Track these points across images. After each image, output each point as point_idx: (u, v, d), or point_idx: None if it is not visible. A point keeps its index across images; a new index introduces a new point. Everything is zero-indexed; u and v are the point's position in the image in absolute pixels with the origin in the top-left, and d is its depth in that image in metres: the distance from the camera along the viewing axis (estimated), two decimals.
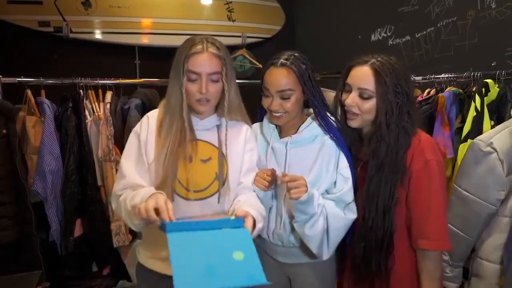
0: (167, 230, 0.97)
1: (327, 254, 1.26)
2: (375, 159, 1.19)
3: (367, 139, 1.27)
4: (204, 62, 1.13)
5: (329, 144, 1.28)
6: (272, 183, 1.25)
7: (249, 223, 1.04)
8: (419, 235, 1.16)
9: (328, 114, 1.30)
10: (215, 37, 1.20)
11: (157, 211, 0.99)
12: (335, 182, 1.27)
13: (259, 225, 1.12)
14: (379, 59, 1.20)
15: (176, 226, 0.98)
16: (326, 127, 1.27)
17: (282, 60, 1.23)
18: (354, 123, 1.25)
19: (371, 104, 1.20)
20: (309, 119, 1.31)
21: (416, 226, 1.17)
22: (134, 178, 1.16)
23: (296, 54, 1.26)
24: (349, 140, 1.30)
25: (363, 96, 1.20)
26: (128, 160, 1.20)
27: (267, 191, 1.26)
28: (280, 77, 1.22)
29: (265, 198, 1.27)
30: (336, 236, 1.25)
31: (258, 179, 1.25)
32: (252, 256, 0.96)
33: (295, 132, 1.30)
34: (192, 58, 1.13)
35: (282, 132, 1.34)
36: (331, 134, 1.27)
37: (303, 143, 1.29)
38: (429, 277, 1.17)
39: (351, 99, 1.22)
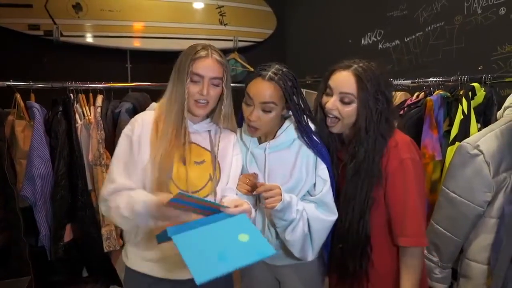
0: (170, 234, 0.98)
1: (311, 256, 1.28)
2: (353, 163, 1.22)
3: (347, 141, 1.31)
4: (208, 66, 1.19)
5: (307, 147, 1.30)
6: (255, 188, 1.27)
7: (245, 205, 1.10)
8: (399, 233, 1.20)
9: (312, 126, 1.31)
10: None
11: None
12: (314, 184, 1.30)
13: (253, 214, 1.19)
14: (361, 64, 1.22)
15: (177, 229, 0.99)
16: (310, 143, 1.29)
17: (270, 74, 1.24)
18: (335, 129, 1.28)
19: (351, 108, 1.22)
20: (286, 123, 1.33)
21: (395, 224, 1.21)
22: (123, 181, 1.16)
23: (284, 70, 1.26)
24: (329, 141, 1.32)
25: (344, 100, 1.22)
26: (117, 163, 1.19)
27: (250, 195, 1.28)
28: (266, 90, 1.23)
29: (249, 202, 1.28)
30: (319, 238, 1.27)
31: (241, 183, 1.27)
32: (256, 235, 1.02)
33: (273, 138, 1.33)
34: (197, 61, 1.18)
35: (260, 137, 1.36)
36: (312, 146, 1.29)
37: (281, 147, 1.31)
38: (407, 272, 1.20)
39: (331, 103, 1.24)
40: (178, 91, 1.19)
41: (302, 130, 1.29)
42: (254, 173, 1.30)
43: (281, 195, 1.18)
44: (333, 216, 1.27)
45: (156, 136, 1.19)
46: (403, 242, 1.19)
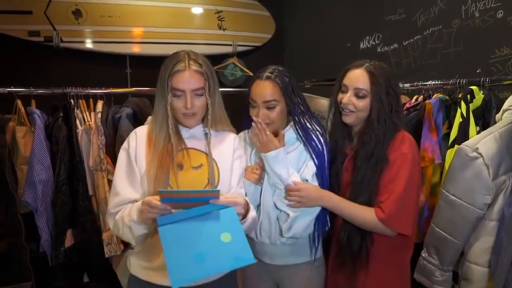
0: (158, 225, 1.01)
1: (285, 234, 1.33)
2: (364, 150, 1.31)
3: (357, 134, 1.40)
4: (187, 79, 1.17)
5: (303, 147, 1.37)
6: (261, 177, 1.33)
7: (239, 198, 1.11)
8: (380, 200, 1.27)
9: (308, 125, 1.36)
10: (198, 53, 1.24)
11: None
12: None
13: (253, 213, 1.19)
14: (372, 63, 1.34)
15: (166, 219, 1.02)
16: (304, 137, 1.35)
17: (267, 74, 1.32)
18: (348, 119, 1.36)
19: (365, 102, 1.32)
20: (290, 123, 1.38)
21: (380, 194, 1.28)
22: (128, 193, 1.19)
23: (280, 68, 1.34)
24: (339, 136, 1.40)
25: (358, 95, 1.33)
26: (119, 177, 1.22)
27: (258, 184, 1.32)
28: (265, 89, 1.31)
29: (255, 193, 1.33)
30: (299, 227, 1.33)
31: (248, 173, 1.32)
32: (239, 236, 1.02)
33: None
34: (175, 76, 1.17)
35: None
36: (307, 144, 1.35)
37: (286, 146, 1.34)
38: (356, 208, 1.29)
39: (347, 98, 1.34)
40: (162, 106, 1.21)
41: (300, 127, 1.35)
42: (260, 162, 1.34)
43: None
44: (311, 217, 1.33)
45: (149, 149, 1.22)
46: (378, 212, 1.26)
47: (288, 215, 1.30)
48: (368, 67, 1.32)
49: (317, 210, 1.33)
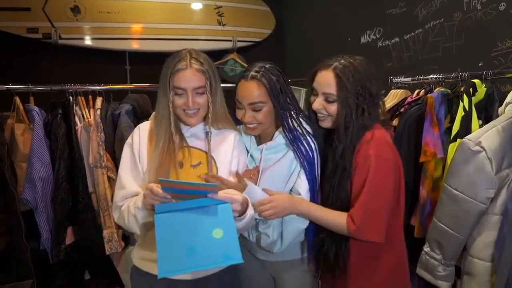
0: (155, 212, 1.03)
1: (277, 250, 1.30)
2: (331, 160, 1.25)
3: None
4: (188, 78, 1.18)
5: (294, 155, 1.31)
6: (257, 180, 1.30)
7: (237, 196, 1.09)
8: (350, 213, 1.21)
9: (298, 129, 1.30)
10: (200, 51, 1.24)
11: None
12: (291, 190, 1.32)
13: (251, 211, 1.17)
14: (342, 61, 1.24)
15: (164, 208, 1.03)
16: (293, 142, 1.28)
17: (252, 73, 1.26)
18: (324, 124, 1.31)
19: (336, 107, 1.25)
20: (280, 129, 1.33)
21: (352, 204, 1.22)
22: (133, 187, 1.22)
23: (267, 66, 1.28)
24: (321, 140, 1.34)
25: (328, 99, 1.26)
26: (125, 171, 1.25)
27: None
28: (250, 90, 1.25)
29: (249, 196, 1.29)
30: (288, 237, 1.29)
31: (246, 176, 1.28)
32: (230, 234, 1.02)
33: (271, 139, 1.34)
34: (177, 74, 1.18)
35: (259, 140, 1.38)
36: (295, 148, 1.28)
37: (278, 150, 1.32)
38: (327, 213, 1.23)
39: (317, 103, 1.28)
40: (163, 105, 1.22)
41: (288, 131, 1.28)
42: (257, 166, 1.32)
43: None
44: (304, 224, 1.28)
45: (151, 146, 1.24)
46: (350, 225, 1.19)
47: (269, 236, 1.27)
48: (336, 68, 1.23)
49: (304, 224, 1.28)
